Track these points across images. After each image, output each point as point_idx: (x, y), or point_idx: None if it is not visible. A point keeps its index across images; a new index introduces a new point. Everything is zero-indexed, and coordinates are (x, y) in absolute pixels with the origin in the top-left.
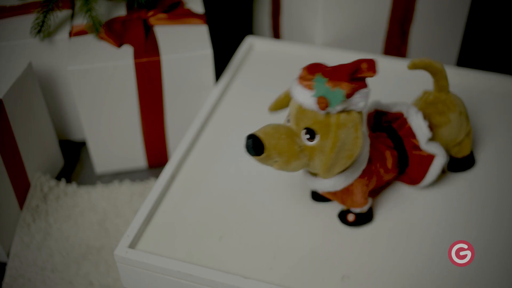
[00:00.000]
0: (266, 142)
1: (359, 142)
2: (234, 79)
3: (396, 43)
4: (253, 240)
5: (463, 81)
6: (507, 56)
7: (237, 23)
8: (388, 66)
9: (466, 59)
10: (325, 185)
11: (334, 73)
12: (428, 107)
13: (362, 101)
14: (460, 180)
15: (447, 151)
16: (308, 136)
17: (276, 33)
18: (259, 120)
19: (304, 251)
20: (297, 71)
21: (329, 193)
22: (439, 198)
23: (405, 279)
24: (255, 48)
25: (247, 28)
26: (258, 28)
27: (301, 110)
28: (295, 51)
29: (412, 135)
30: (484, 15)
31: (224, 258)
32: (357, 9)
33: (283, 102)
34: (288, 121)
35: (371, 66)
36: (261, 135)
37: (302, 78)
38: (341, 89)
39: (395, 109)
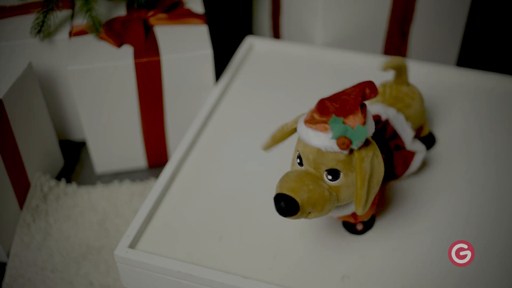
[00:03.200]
0: (298, 198)
1: (382, 167)
2: (234, 79)
3: (396, 43)
4: (253, 240)
5: (463, 81)
6: (507, 56)
7: (237, 23)
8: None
9: (466, 59)
10: (342, 212)
11: (345, 109)
12: (396, 102)
13: (371, 125)
14: (460, 180)
15: None
16: (330, 177)
17: (276, 33)
18: (259, 120)
19: (304, 251)
20: (297, 71)
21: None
22: (439, 198)
23: (405, 279)
24: (255, 48)
25: (247, 28)
26: (258, 28)
27: (320, 154)
28: (295, 51)
29: (395, 136)
30: (484, 15)
31: (224, 258)
32: (357, 9)
33: (278, 140)
34: (299, 163)
35: (372, 89)
36: (290, 193)
37: (311, 121)
38: (361, 125)
39: (372, 112)
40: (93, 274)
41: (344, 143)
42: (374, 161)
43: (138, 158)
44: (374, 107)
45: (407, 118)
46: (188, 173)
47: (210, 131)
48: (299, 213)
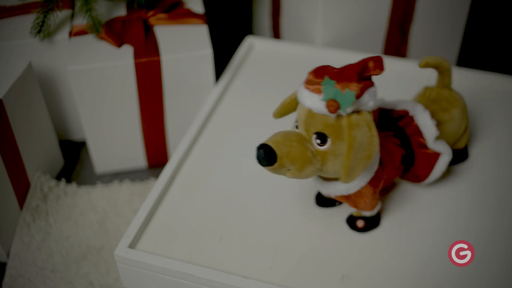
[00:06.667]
0: (278, 150)
1: (375, 140)
2: (234, 79)
3: (396, 43)
4: (253, 240)
5: (463, 81)
6: (507, 56)
7: (237, 23)
8: (388, 66)
9: (466, 59)
10: (339, 189)
11: (341, 74)
12: (431, 104)
13: (372, 101)
14: (460, 181)
15: None
16: (319, 141)
17: (276, 33)
18: (259, 120)
19: (304, 251)
20: (297, 71)
21: (342, 196)
22: (439, 198)
23: (405, 279)
24: (255, 48)
25: (247, 28)
26: (258, 28)
27: (311, 115)
28: (295, 51)
29: (418, 133)
30: (484, 15)
31: (224, 258)
32: (357, 9)
33: (288, 108)
34: (297, 126)
35: (378, 63)
36: (271, 144)
37: (308, 82)
38: (351, 91)
39: (400, 107)
40: (93, 274)
41: (332, 105)
42: (365, 132)
43: (138, 158)
44: (405, 103)
45: (442, 123)
46: (188, 173)
47: (210, 131)
48: (276, 165)
